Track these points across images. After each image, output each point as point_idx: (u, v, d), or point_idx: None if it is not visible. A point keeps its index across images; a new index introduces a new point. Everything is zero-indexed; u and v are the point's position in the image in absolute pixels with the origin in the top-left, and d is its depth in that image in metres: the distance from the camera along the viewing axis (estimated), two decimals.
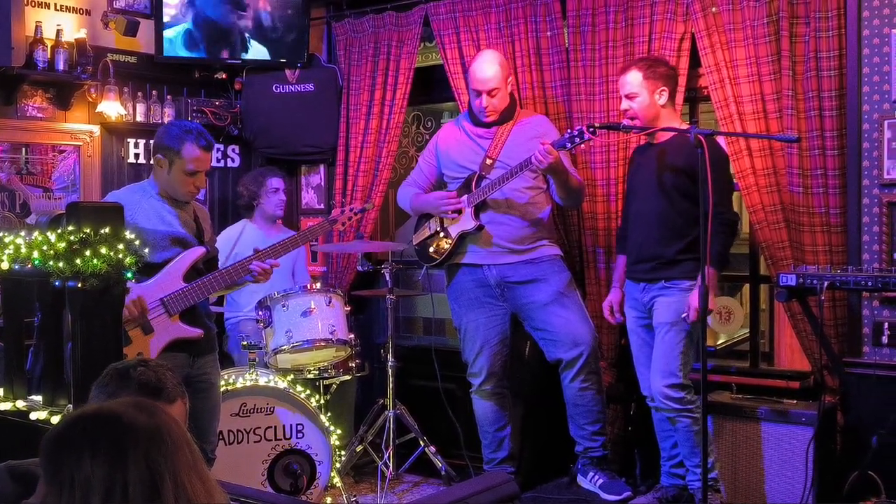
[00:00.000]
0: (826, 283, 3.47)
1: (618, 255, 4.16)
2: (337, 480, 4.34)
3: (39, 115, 4.74)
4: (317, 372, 4.51)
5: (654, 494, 4.00)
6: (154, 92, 5.18)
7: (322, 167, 5.63)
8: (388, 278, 4.59)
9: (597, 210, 4.40)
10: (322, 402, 4.50)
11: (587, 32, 4.43)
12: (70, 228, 2.79)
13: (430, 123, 5.68)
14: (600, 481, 4.14)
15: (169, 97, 5.24)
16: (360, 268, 5.20)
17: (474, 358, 4.32)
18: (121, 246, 2.81)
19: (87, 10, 4.88)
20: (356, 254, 5.15)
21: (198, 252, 3.57)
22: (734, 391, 4.16)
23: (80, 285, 2.72)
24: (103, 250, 2.75)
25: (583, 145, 3.91)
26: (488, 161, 4.19)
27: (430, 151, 4.48)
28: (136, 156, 5.10)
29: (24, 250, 2.89)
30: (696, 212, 3.49)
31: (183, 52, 5.16)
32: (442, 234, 4.29)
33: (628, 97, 3.86)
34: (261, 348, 4.38)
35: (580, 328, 4.14)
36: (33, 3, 4.63)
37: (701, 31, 4.08)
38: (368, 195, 5.16)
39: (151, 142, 4.67)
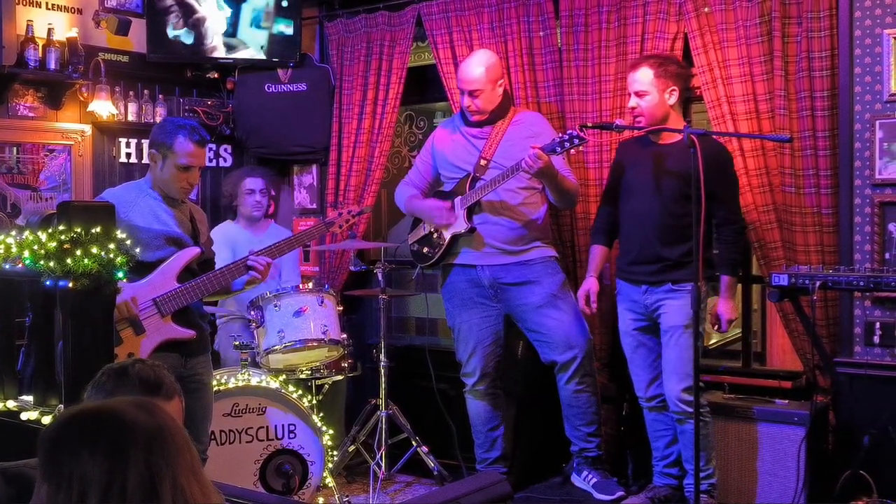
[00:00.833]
0: (818, 283, 3.47)
1: (593, 245, 4.10)
2: (329, 481, 4.33)
3: (31, 114, 4.72)
4: (309, 372, 4.50)
5: (647, 494, 4.00)
6: (146, 91, 5.17)
7: (315, 167, 5.62)
8: (380, 278, 4.59)
9: (590, 210, 4.40)
10: (314, 402, 4.49)
11: (580, 32, 4.43)
12: (61, 228, 2.78)
13: (422, 123, 5.68)
14: (594, 480, 4.15)
15: (161, 96, 5.22)
16: (352, 268, 5.19)
17: (468, 358, 4.32)
18: (112, 245, 2.80)
19: (78, 8, 4.86)
20: (349, 254, 5.15)
21: (192, 252, 3.55)
22: (726, 391, 4.16)
23: (71, 285, 2.71)
24: (94, 250, 2.74)
25: (573, 150, 3.89)
26: (482, 162, 4.19)
27: (426, 151, 4.48)
28: (128, 155, 5.09)
29: (14, 250, 2.88)
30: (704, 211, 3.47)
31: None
32: (435, 236, 4.29)
33: (637, 94, 3.79)
34: (253, 348, 4.37)
35: (574, 330, 4.14)
36: (24, 2, 4.61)
37: (693, 30, 4.08)
38: (361, 195, 5.16)
39: (144, 141, 4.67)
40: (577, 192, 4.20)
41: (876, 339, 3.74)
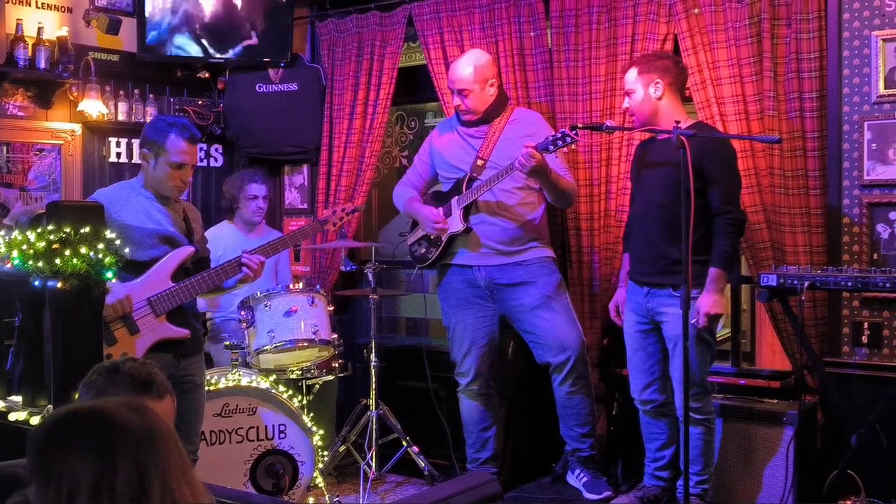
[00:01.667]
0: (807, 284, 3.48)
1: (623, 252, 4.09)
2: (319, 481, 4.33)
3: (20, 113, 4.71)
4: (299, 372, 4.50)
5: (636, 493, 4.00)
6: (136, 91, 5.16)
7: (305, 167, 5.62)
8: (371, 278, 4.59)
9: (580, 210, 4.41)
10: (305, 402, 4.49)
11: (570, 33, 4.44)
12: (50, 228, 2.77)
13: (413, 123, 5.68)
14: (584, 479, 4.18)
15: (151, 96, 5.21)
16: (343, 268, 5.19)
17: (462, 358, 4.32)
18: (101, 245, 2.79)
19: (68, 7, 4.85)
20: (339, 254, 5.15)
21: (186, 251, 3.53)
22: (715, 391, 4.17)
23: (60, 285, 2.71)
24: (83, 250, 2.74)
25: (565, 148, 3.89)
26: (479, 162, 4.18)
27: (424, 150, 4.48)
28: (118, 155, 5.08)
29: (3, 250, 2.87)
30: (701, 210, 3.45)
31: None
32: (433, 236, 4.30)
33: (626, 94, 3.82)
34: (243, 348, 4.36)
35: (567, 332, 4.14)
36: (14, 1, 4.60)
37: (683, 32, 4.09)
38: (352, 195, 5.16)
39: (134, 141, 4.65)
40: (574, 191, 4.18)
41: (864, 339, 3.76)
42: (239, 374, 4.23)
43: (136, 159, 4.68)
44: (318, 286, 4.69)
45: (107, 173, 5.01)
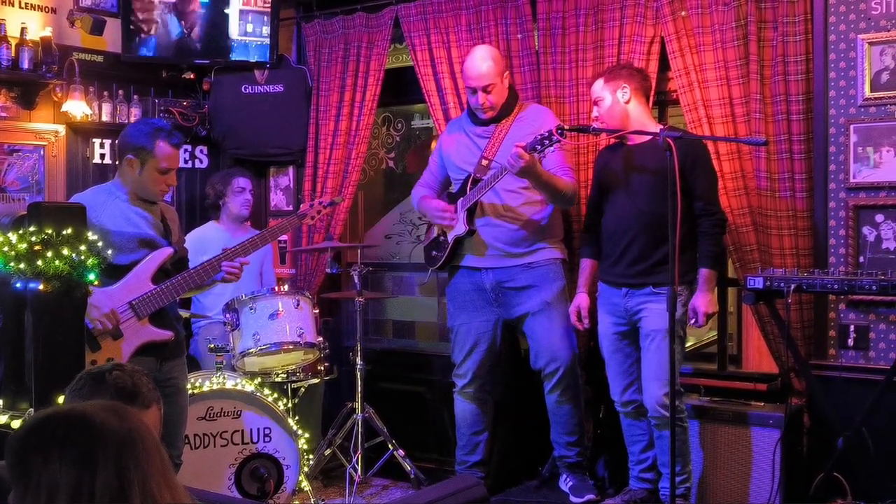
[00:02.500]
0: (793, 286, 3.48)
1: (582, 258, 4.11)
2: (305, 484, 4.30)
3: (3, 114, 4.66)
4: (285, 375, 4.47)
5: (622, 497, 4.01)
6: (120, 91, 5.12)
7: (291, 169, 5.59)
8: (357, 281, 4.57)
9: (581, 212, 4.37)
10: (290, 405, 4.46)
11: (557, 35, 4.43)
12: (32, 229, 2.75)
13: (399, 125, 5.67)
14: (570, 483, 4.19)
15: (136, 97, 5.18)
16: (328, 270, 5.17)
17: (463, 359, 4.31)
18: (83, 247, 2.77)
19: (52, 8, 4.81)
20: (325, 256, 5.12)
21: (165, 253, 3.52)
22: (702, 393, 4.17)
23: (41, 287, 2.68)
24: (65, 251, 2.71)
25: (552, 147, 3.87)
26: (483, 162, 4.14)
27: (436, 151, 4.48)
28: (102, 156, 5.04)
29: None
30: (685, 210, 3.45)
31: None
32: (441, 238, 4.30)
33: (595, 103, 3.90)
34: (228, 351, 4.33)
35: (559, 344, 4.12)
36: None
37: (670, 34, 4.09)
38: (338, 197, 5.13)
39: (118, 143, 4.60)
40: (573, 191, 4.10)
41: (850, 341, 3.77)
42: (224, 378, 4.20)
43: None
44: (303, 288, 4.66)
45: (90, 174, 4.97)
